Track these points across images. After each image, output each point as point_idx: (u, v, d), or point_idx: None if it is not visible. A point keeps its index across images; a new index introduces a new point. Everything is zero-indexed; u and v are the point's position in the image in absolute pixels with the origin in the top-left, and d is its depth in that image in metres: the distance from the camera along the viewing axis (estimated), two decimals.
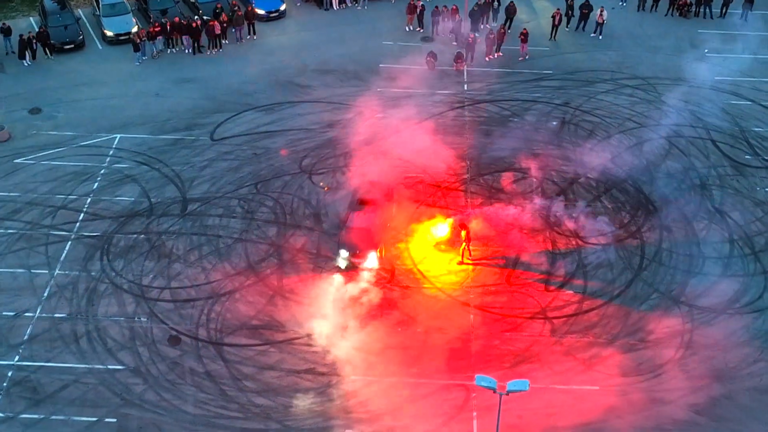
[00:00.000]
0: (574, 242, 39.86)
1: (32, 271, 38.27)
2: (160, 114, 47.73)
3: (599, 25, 54.34)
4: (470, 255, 38.92)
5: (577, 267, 38.69)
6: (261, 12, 55.71)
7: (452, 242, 39.33)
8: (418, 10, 54.83)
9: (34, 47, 51.65)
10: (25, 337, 35.36)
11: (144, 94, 49.41)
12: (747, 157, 44.94)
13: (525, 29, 52.32)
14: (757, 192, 42.65)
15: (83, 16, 55.89)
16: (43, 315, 36.36)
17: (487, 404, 32.79)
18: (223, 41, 53.65)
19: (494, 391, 27.17)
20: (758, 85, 50.15)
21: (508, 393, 27.22)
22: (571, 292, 37.73)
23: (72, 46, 52.97)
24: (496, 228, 40.11)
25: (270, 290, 37.64)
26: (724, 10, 56.24)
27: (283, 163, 44.01)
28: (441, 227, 40.03)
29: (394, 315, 36.64)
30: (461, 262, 38.82)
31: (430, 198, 42.04)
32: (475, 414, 32.88)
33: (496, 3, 55.63)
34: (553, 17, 53.62)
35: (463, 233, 38.66)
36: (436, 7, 54.39)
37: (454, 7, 54.14)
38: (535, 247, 39.48)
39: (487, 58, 52.36)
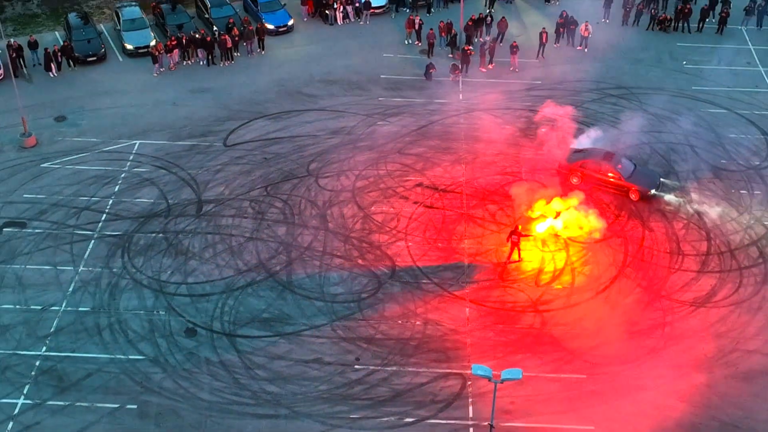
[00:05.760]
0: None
1: (58, 267, 38.23)
2: (176, 122, 47.63)
3: (584, 38, 54.25)
4: (511, 258, 38.75)
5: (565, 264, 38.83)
6: (270, 27, 55.60)
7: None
8: (416, 25, 54.75)
9: (59, 60, 51.59)
10: (52, 330, 35.34)
11: (162, 103, 49.30)
12: (723, 161, 44.85)
13: (515, 42, 52.20)
14: (732, 194, 42.56)
15: (105, 31, 55.70)
16: (69, 309, 36.31)
17: (481, 391, 32.85)
18: (235, 54, 53.55)
19: (489, 380, 27.12)
20: (732, 94, 50.03)
21: (502, 381, 27.18)
22: (559, 287, 37.74)
23: (94, 58, 52.80)
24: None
25: (280, 285, 37.56)
26: (701, 25, 56.15)
27: (291, 167, 43.95)
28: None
29: (395, 308, 36.61)
30: (514, 262, 38.73)
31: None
32: (470, 401, 32.84)
33: (489, 18, 55.51)
34: (541, 35, 53.39)
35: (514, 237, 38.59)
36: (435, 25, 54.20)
37: (449, 21, 54.02)
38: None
39: (481, 69, 52.22)
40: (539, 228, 40.03)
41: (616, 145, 44.53)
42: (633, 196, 41.64)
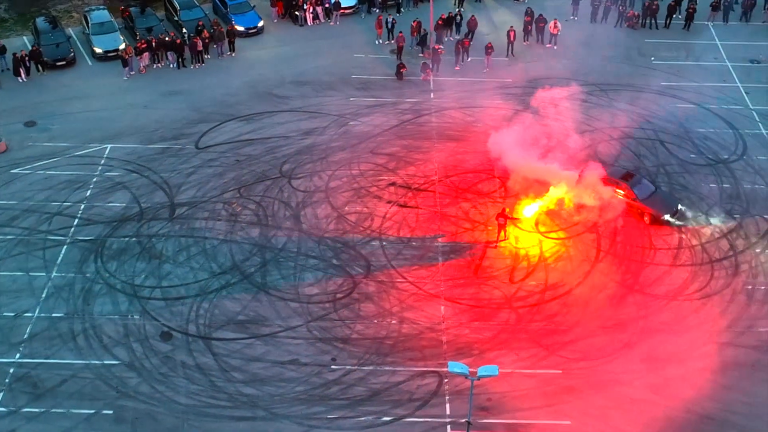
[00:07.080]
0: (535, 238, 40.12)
1: (31, 274, 37.82)
2: (148, 125, 47.26)
3: (553, 35, 54.40)
4: (499, 240, 39.28)
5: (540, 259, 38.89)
6: (240, 29, 55.32)
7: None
8: (388, 24, 54.66)
9: (28, 65, 51.06)
10: (26, 336, 34.96)
11: (133, 107, 48.89)
12: (692, 155, 45.11)
13: (489, 42, 52.21)
14: (702, 187, 42.80)
15: (74, 35, 55.21)
16: (42, 315, 35.93)
17: (458, 389, 32.85)
18: (206, 56, 53.25)
19: (466, 377, 27.07)
20: (700, 89, 50.32)
21: (478, 378, 27.14)
22: (534, 282, 37.80)
23: (64, 62, 52.32)
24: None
25: (254, 287, 37.36)
26: (668, 21, 56.51)
27: (264, 169, 43.73)
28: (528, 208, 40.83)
29: (370, 308, 36.50)
30: (495, 245, 39.21)
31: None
32: (447, 398, 32.81)
33: (458, 17, 55.55)
34: (508, 34, 53.43)
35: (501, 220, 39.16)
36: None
37: (419, 20, 53.98)
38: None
39: (456, 68, 52.14)
40: (526, 212, 40.38)
41: (591, 142, 44.74)
42: (646, 219, 40.38)
